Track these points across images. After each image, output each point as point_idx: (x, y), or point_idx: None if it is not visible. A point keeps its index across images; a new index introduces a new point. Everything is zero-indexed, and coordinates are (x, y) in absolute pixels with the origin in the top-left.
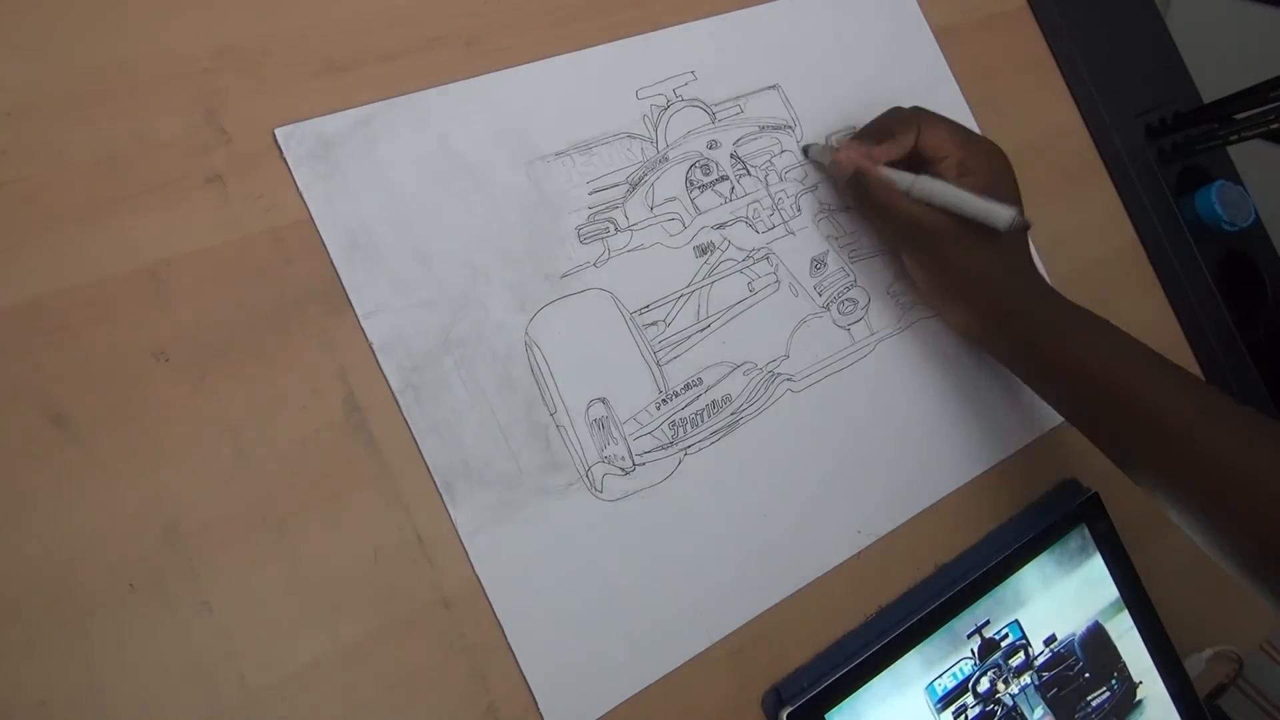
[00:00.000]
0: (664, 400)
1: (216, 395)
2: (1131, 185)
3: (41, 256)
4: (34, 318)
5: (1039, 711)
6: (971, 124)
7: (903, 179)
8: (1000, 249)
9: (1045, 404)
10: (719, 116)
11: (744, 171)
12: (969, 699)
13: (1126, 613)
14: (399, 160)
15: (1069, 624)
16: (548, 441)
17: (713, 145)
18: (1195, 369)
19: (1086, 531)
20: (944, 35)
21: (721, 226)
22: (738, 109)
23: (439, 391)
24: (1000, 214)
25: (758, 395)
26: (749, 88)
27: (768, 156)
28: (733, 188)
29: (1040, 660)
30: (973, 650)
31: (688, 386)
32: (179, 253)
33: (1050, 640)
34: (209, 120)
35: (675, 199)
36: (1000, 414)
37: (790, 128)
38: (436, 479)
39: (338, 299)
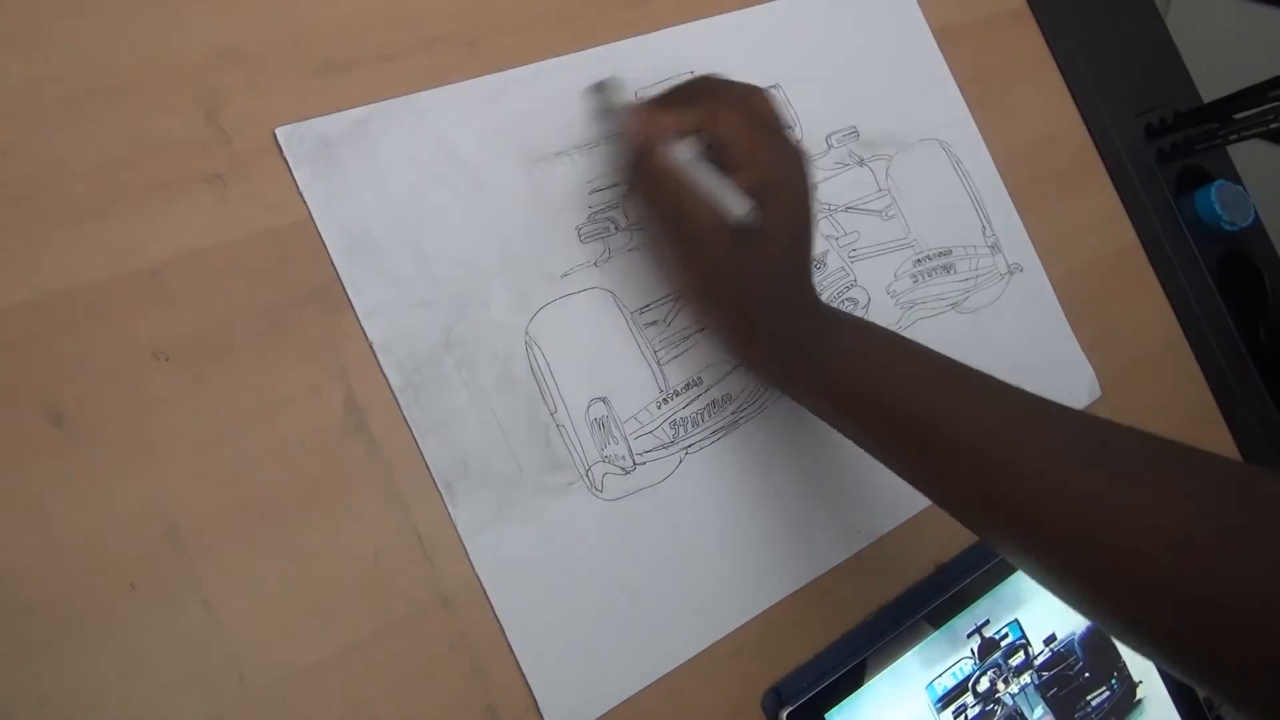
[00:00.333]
0: (664, 400)
1: (216, 395)
2: (1131, 185)
3: (41, 256)
4: (34, 318)
5: (1039, 711)
6: (971, 124)
7: (679, 154)
8: (776, 260)
9: None
10: None
11: None
12: (969, 699)
13: None
14: (399, 160)
15: (1069, 623)
16: (548, 441)
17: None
18: (1195, 369)
19: None
20: (944, 35)
21: None
22: None
23: (439, 391)
24: (735, 203)
25: (758, 395)
26: None
27: None
28: None
29: (1040, 660)
30: (973, 650)
31: (688, 386)
32: (179, 252)
33: (1050, 639)
34: (209, 120)
35: None
36: None
37: (790, 128)
38: (436, 479)
39: (338, 299)
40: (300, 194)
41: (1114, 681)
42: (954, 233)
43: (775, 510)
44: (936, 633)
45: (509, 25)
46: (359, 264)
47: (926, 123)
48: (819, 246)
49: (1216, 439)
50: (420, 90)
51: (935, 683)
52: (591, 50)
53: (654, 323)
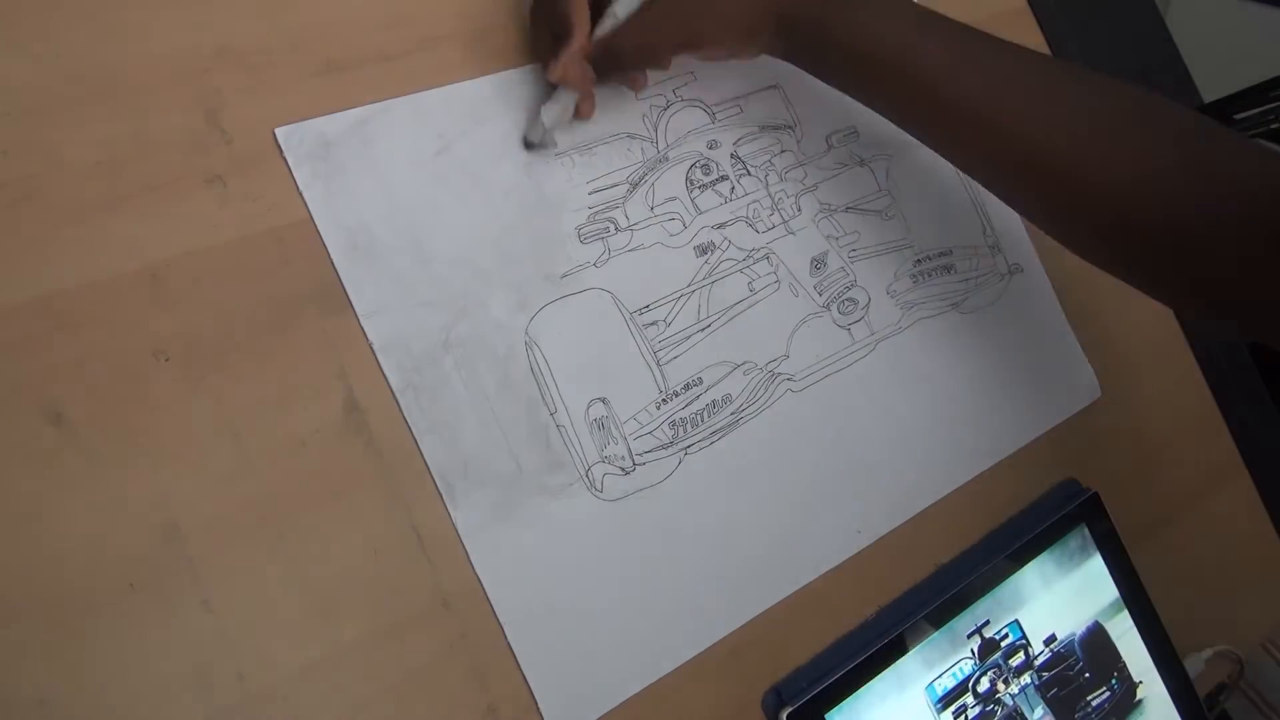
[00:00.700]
0: (664, 400)
1: (216, 395)
2: None
3: (41, 256)
4: (34, 318)
5: (1039, 711)
6: None
7: (605, 22)
8: None
9: (1045, 403)
10: (719, 116)
11: (744, 171)
12: (969, 699)
13: (1126, 613)
14: (399, 160)
15: (1069, 624)
16: (548, 441)
17: (713, 145)
18: (1195, 369)
19: (1086, 531)
20: None
21: (721, 226)
22: (738, 109)
23: (439, 391)
24: None
25: (758, 395)
26: (749, 88)
27: (768, 156)
28: (733, 187)
29: (1040, 660)
30: (973, 650)
31: (688, 386)
32: (179, 253)
33: (1050, 640)
34: (209, 120)
35: (675, 199)
36: (1000, 414)
37: (790, 128)
38: (436, 479)
39: (338, 299)
40: (300, 194)
41: (1114, 682)
42: (954, 233)
43: (775, 510)
44: (936, 633)
45: (509, 25)
46: (359, 264)
47: None
48: (819, 247)
49: (1217, 439)
50: (420, 90)
51: (935, 683)
52: None
53: (654, 323)
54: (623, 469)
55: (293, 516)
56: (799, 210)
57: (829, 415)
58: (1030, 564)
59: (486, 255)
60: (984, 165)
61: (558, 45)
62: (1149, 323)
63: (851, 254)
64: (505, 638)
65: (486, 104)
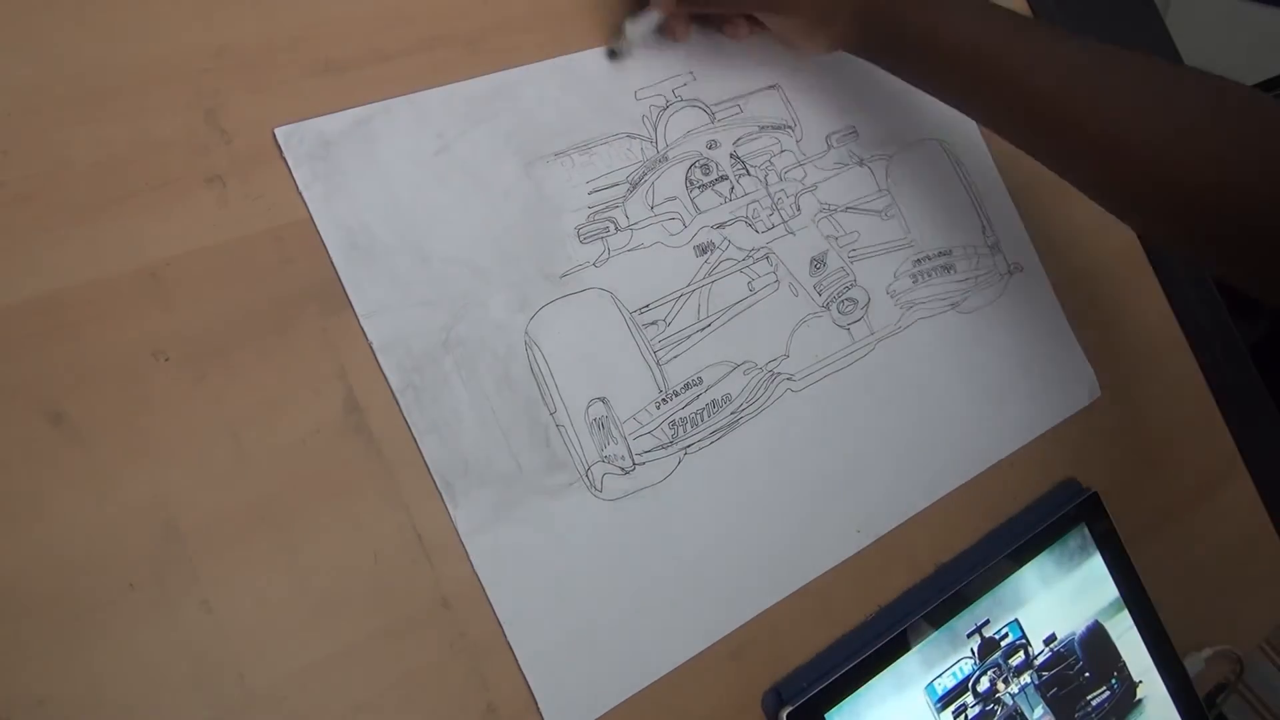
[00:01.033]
0: (664, 400)
1: (216, 395)
2: None
3: (41, 256)
4: (34, 318)
5: (1039, 711)
6: (971, 124)
7: None
8: None
9: (1045, 403)
10: (718, 116)
11: (744, 171)
12: (969, 698)
13: (1126, 612)
14: (399, 160)
15: (1069, 623)
16: (548, 441)
17: (712, 145)
18: (1195, 369)
19: (1086, 531)
20: None
21: (721, 226)
22: (737, 109)
23: (439, 391)
24: None
25: (758, 395)
26: (749, 88)
27: (767, 156)
28: (732, 187)
29: (1040, 660)
30: (973, 650)
31: (688, 386)
32: (179, 253)
33: (1050, 640)
34: (209, 120)
35: (675, 198)
36: (1000, 413)
37: (790, 128)
38: (436, 479)
39: (338, 299)
40: (300, 194)
41: (1114, 681)
42: (954, 233)
43: (775, 510)
44: (936, 633)
45: (509, 25)
46: (359, 264)
47: (926, 123)
48: (819, 246)
49: (1217, 438)
50: (420, 90)
51: (935, 683)
52: (591, 50)
53: (654, 322)
54: (622, 469)
55: (292, 516)
56: (799, 210)
57: (829, 415)
58: (1030, 563)
59: (486, 255)
60: (1070, 162)
61: None
62: (1149, 323)
63: (851, 254)
64: (505, 638)
65: (486, 104)
